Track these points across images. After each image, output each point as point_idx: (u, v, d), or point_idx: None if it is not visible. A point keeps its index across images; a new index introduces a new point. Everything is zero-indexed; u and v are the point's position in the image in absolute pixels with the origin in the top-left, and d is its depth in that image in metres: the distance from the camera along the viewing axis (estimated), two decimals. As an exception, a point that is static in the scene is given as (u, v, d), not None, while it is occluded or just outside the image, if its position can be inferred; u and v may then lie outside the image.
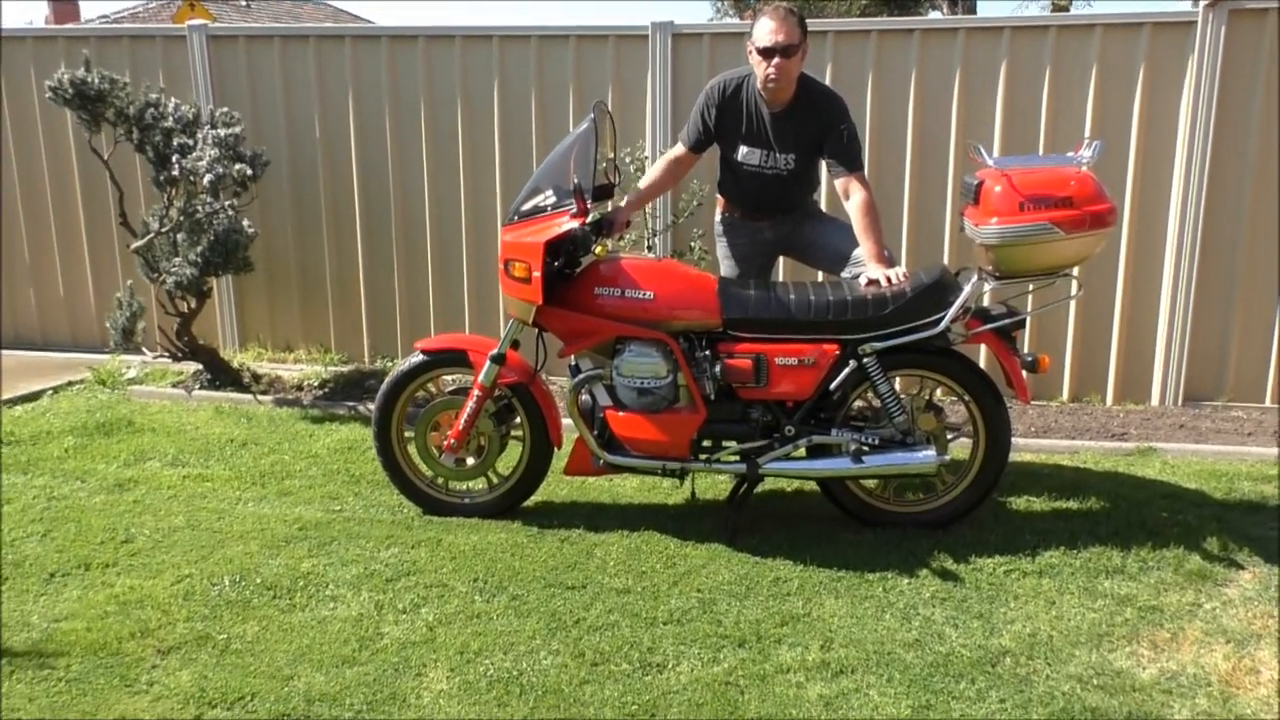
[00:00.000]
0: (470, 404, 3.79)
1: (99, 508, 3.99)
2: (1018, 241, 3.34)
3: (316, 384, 5.73)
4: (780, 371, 3.57)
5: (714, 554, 3.61)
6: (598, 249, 3.53)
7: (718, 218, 4.23)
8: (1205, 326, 5.20)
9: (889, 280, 3.58)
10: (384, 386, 3.93)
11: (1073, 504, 3.99)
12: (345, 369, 5.98)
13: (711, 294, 3.61)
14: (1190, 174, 5.04)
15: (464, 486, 4.02)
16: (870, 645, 3.01)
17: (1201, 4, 4.92)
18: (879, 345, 3.55)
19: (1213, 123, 4.97)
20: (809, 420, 3.65)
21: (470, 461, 3.94)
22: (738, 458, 3.67)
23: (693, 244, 5.20)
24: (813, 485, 4.05)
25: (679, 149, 4.04)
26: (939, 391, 3.86)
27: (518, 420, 3.93)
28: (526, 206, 3.62)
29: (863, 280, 3.64)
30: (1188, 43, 4.97)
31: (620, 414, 3.64)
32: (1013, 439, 3.83)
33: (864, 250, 3.75)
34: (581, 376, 3.67)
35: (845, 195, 3.82)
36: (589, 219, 3.53)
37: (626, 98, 5.55)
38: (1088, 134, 5.11)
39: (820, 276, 4.50)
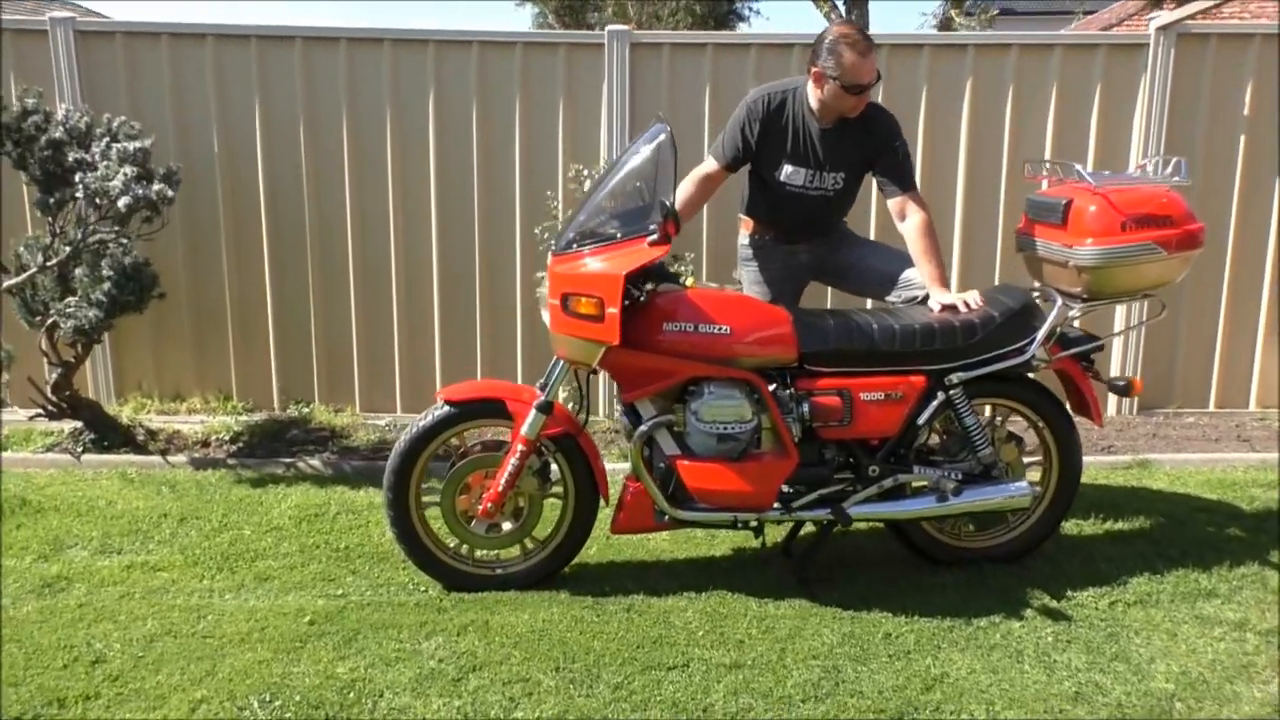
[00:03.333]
0: (512, 460, 3.27)
1: (37, 619, 3.17)
2: (1119, 262, 3.22)
3: (227, 438, 4.94)
4: (864, 407, 3.28)
5: (803, 612, 3.26)
6: (689, 281, 3.12)
7: (744, 240, 3.90)
8: (1156, 339, 5.35)
9: (967, 305, 3.38)
10: (400, 445, 3.34)
11: (1121, 525, 3.93)
12: (256, 419, 5.20)
13: (787, 326, 3.27)
14: (1143, 190, 5.17)
15: (493, 555, 3.48)
16: (1034, 704, 2.76)
17: (1153, 27, 5.07)
18: (966, 375, 3.33)
19: (1164, 139, 5.12)
20: (889, 458, 3.38)
21: (507, 526, 3.41)
22: (819, 503, 3.35)
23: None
24: (859, 526, 3.81)
25: (711, 165, 3.68)
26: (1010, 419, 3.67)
27: (555, 477, 3.45)
28: (587, 232, 3.15)
29: (935, 306, 3.42)
30: (1140, 63, 5.10)
31: (694, 463, 3.23)
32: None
33: (925, 273, 3.52)
34: (650, 423, 3.24)
35: (901, 216, 3.59)
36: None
37: (578, 110, 5.13)
38: (1047, 152, 5.16)
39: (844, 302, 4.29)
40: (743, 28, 19.47)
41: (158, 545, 3.75)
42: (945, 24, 9.96)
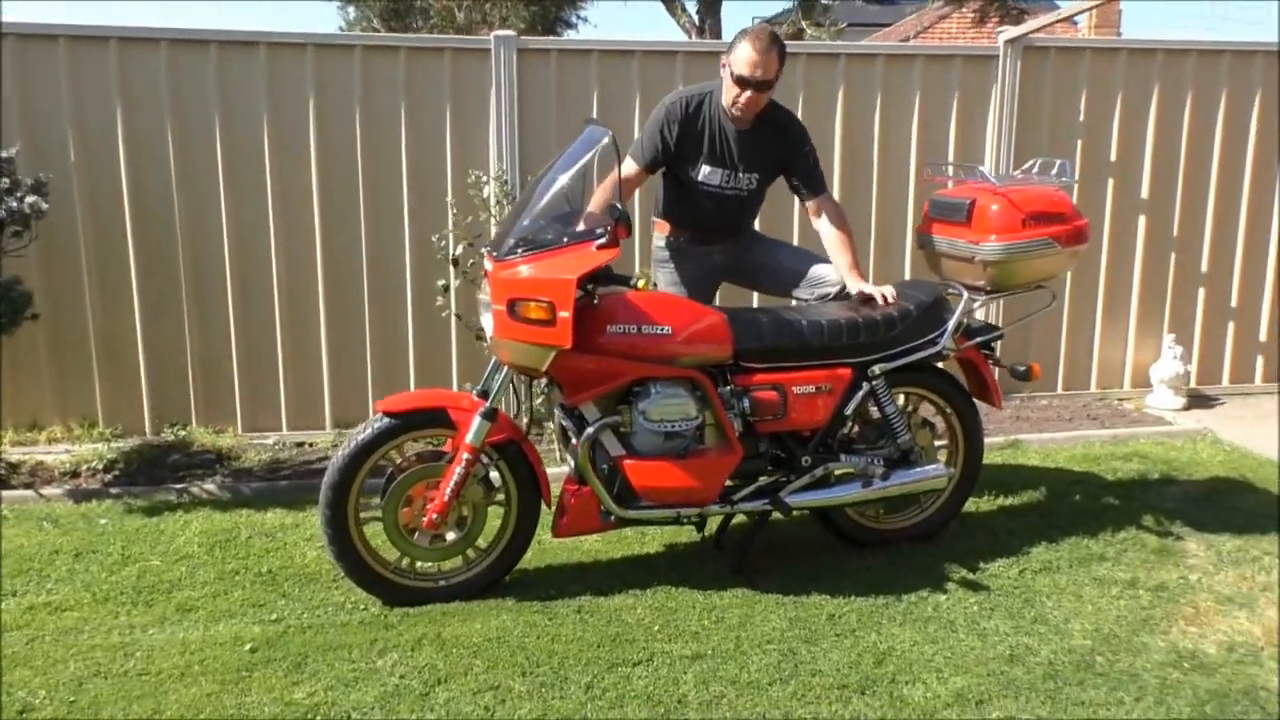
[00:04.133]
0: (458, 469, 3.23)
1: (-61, 671, 2.89)
2: (1020, 256, 3.50)
3: (100, 467, 4.61)
4: (797, 400, 3.43)
5: (747, 600, 3.37)
6: (640, 282, 3.16)
7: (660, 242, 3.99)
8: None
9: (884, 298, 3.58)
10: (338, 461, 3.24)
11: (1011, 500, 4.25)
12: (128, 445, 4.87)
13: (721, 324, 3.37)
14: (996, 191, 5.59)
15: (435, 567, 3.42)
16: (977, 669, 2.97)
17: (1001, 40, 5.50)
18: (887, 365, 3.53)
19: (1014, 142, 5.55)
20: (819, 448, 3.54)
21: (451, 536, 3.36)
22: (756, 495, 3.48)
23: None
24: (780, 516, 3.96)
25: (630, 167, 3.73)
26: (921, 406, 3.90)
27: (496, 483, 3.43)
28: (530, 236, 3.15)
29: (853, 291, 3.61)
30: (991, 74, 5.51)
31: (640, 462, 3.29)
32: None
33: (841, 264, 3.71)
34: (598, 424, 3.27)
35: (817, 214, 3.78)
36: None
37: (465, 118, 5.08)
38: (913, 155, 5.49)
39: (757, 299, 4.45)
40: (569, 34, 19.60)
41: (57, 584, 3.47)
42: (797, 34, 10.38)
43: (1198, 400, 5.85)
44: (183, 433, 5.06)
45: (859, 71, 5.40)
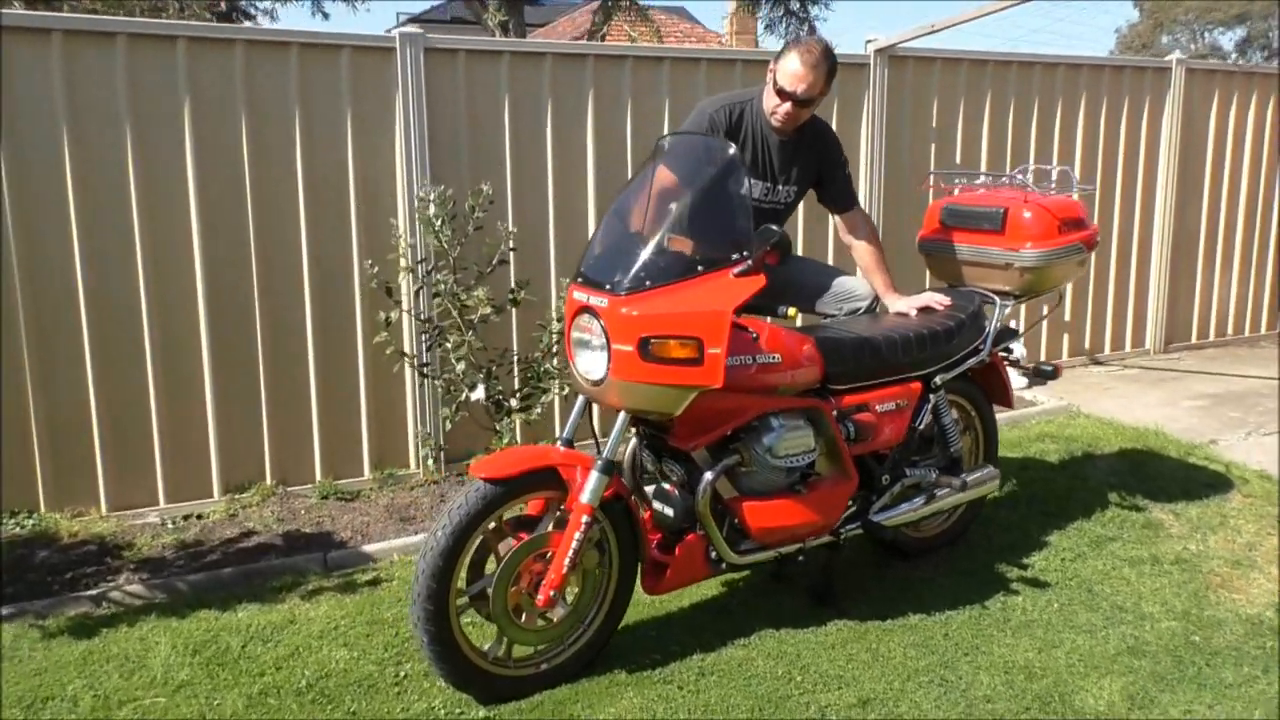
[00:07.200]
0: (577, 534, 2.80)
1: None
2: (1056, 262, 3.63)
3: (-58, 580, 3.53)
4: (882, 419, 3.34)
5: (856, 632, 3.24)
6: (790, 311, 2.87)
7: (682, 262, 3.70)
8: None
9: (940, 305, 3.59)
10: (437, 543, 2.69)
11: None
12: (-34, 545, 3.78)
13: (813, 345, 3.19)
14: (872, 190, 5.79)
15: (531, 650, 2.95)
16: (1114, 667, 3.05)
17: (871, 49, 5.70)
18: (947, 376, 3.53)
19: (884, 147, 5.79)
20: (894, 465, 3.47)
21: (560, 613, 2.91)
22: (848, 520, 3.34)
23: (517, 295, 4.41)
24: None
25: (667, 178, 3.40)
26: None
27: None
28: (648, 265, 2.76)
29: (911, 311, 3.58)
30: (864, 80, 5.70)
31: (760, 502, 3.04)
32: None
33: (878, 283, 3.67)
34: (720, 468, 2.96)
35: (851, 230, 3.70)
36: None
37: (367, 124, 4.43)
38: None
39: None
40: (248, 24, 17.93)
41: (35, 752, 2.60)
42: (593, 34, 10.06)
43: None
44: (29, 521, 4.00)
45: (721, 75, 5.33)
